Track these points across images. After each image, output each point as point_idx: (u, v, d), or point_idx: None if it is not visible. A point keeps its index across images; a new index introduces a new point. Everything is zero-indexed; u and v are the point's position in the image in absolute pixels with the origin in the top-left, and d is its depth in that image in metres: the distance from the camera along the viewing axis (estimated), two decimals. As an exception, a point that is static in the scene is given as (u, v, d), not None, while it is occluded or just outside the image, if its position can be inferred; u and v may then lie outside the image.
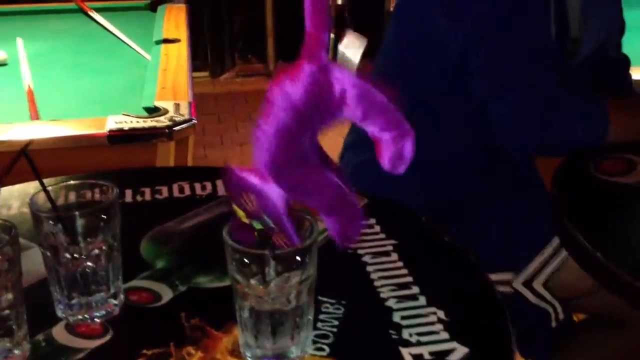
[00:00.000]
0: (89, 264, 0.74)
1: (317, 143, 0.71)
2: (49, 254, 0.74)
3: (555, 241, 1.21)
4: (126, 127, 1.53)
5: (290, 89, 0.67)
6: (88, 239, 0.74)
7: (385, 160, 0.68)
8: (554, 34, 1.19)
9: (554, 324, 1.23)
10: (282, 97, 0.66)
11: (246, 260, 0.67)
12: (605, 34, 1.33)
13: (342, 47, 3.84)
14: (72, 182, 0.80)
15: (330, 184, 0.71)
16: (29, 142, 0.71)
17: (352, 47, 3.81)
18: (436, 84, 1.27)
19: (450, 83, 1.24)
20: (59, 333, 0.74)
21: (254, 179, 0.68)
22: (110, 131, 1.51)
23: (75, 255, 0.74)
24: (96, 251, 0.75)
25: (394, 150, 0.67)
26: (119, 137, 1.52)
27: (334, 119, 0.69)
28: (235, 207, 0.69)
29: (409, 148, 0.67)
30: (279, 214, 0.68)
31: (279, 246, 0.68)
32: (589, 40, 1.27)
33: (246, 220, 0.69)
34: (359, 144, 1.39)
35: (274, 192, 0.68)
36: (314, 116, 0.68)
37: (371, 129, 0.68)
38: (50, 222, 0.72)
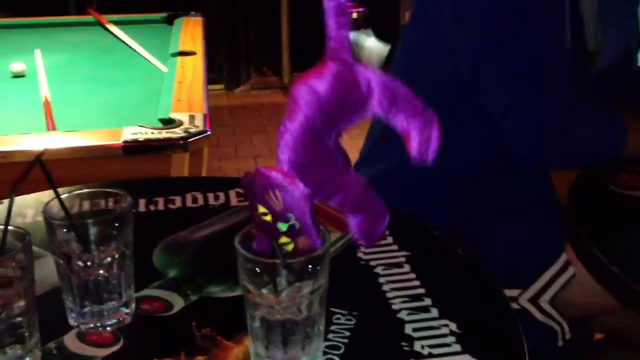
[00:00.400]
0: (102, 272, 0.75)
1: (339, 142, 0.71)
2: (61, 262, 0.74)
3: (563, 258, 1.20)
4: (141, 138, 1.54)
5: (316, 85, 0.67)
6: (101, 247, 0.75)
7: (414, 149, 0.69)
8: (569, 47, 1.18)
9: (560, 342, 1.21)
10: (308, 93, 0.67)
11: (258, 270, 0.66)
12: (623, 47, 1.32)
13: (366, 46, 3.86)
14: (85, 190, 0.80)
15: (355, 183, 0.71)
16: (44, 151, 0.71)
17: (374, 49, 3.83)
18: (448, 98, 1.26)
19: (462, 98, 1.23)
20: (70, 341, 0.74)
21: (280, 177, 0.67)
22: (125, 142, 1.52)
23: (87, 263, 0.74)
24: (109, 259, 0.75)
25: (421, 138, 0.68)
26: (134, 148, 1.53)
27: (359, 115, 0.69)
28: (260, 206, 0.68)
29: (435, 135, 0.69)
30: (304, 213, 0.67)
31: (301, 249, 0.68)
32: (607, 54, 1.26)
33: (268, 219, 0.68)
34: (373, 156, 1.38)
35: (299, 191, 0.67)
36: (340, 112, 0.68)
37: (397, 120, 0.69)
38: (64, 230, 0.73)
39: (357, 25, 4.03)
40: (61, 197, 0.74)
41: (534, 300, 1.21)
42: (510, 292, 1.22)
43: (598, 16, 1.21)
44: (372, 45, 3.91)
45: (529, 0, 1.12)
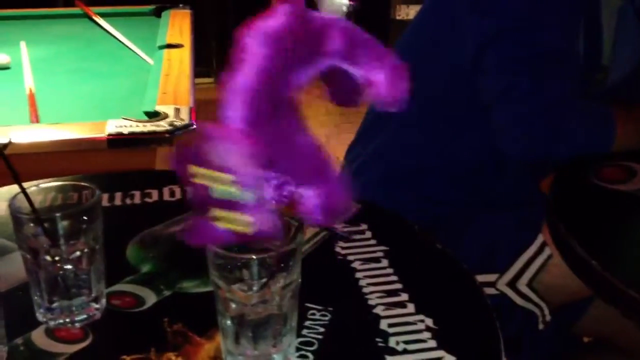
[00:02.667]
0: (70, 267, 0.73)
1: (295, 101, 0.62)
2: (29, 256, 0.73)
3: (539, 240, 1.19)
4: (126, 131, 1.52)
5: (265, 24, 0.59)
6: (70, 242, 0.73)
7: (383, 93, 0.61)
8: (582, 54, 1.18)
9: (541, 326, 1.21)
10: (257, 34, 0.59)
11: (228, 265, 0.65)
12: (633, 65, 1.31)
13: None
14: (54, 184, 0.79)
15: (310, 147, 0.62)
16: (7, 144, 0.69)
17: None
18: (444, 90, 1.25)
19: (459, 85, 1.22)
20: (38, 337, 0.73)
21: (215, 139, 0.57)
22: (109, 135, 1.51)
23: (56, 258, 0.72)
24: (77, 254, 0.73)
25: (388, 87, 0.61)
26: (118, 141, 1.52)
27: (316, 62, 0.61)
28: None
29: (404, 83, 0.61)
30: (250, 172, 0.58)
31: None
32: (617, 70, 1.26)
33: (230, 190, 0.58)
34: (360, 146, 1.38)
35: (244, 152, 0.57)
36: (295, 55, 0.59)
37: (360, 68, 0.61)
38: (31, 224, 0.71)
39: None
40: (30, 189, 0.73)
41: (511, 284, 1.20)
42: (487, 277, 1.21)
43: (614, 32, 1.22)
44: None
45: (550, 3, 1.13)
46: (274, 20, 0.59)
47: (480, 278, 1.21)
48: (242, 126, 0.59)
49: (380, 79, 0.61)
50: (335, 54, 0.60)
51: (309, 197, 0.62)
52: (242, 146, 0.57)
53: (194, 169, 0.58)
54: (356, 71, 0.61)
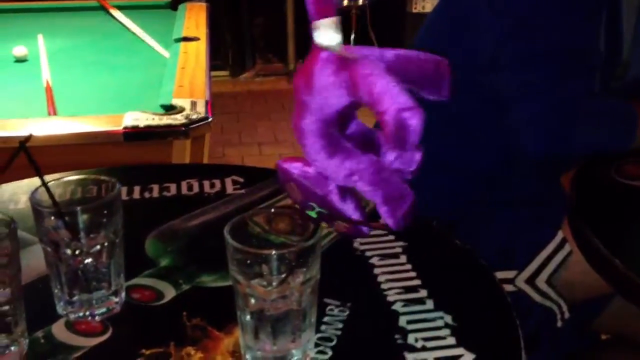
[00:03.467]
0: (90, 260, 0.73)
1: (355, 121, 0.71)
2: (49, 249, 0.73)
3: (559, 236, 1.18)
4: (142, 124, 1.53)
5: (318, 71, 0.65)
6: (90, 235, 0.73)
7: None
8: (603, 50, 1.17)
9: (559, 323, 1.20)
10: (313, 81, 0.65)
11: (248, 261, 0.65)
12: None
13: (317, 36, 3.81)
14: (75, 177, 0.79)
15: (370, 164, 0.70)
16: (29, 137, 0.70)
17: (328, 30, 3.78)
18: (461, 84, 1.24)
19: (475, 83, 1.22)
20: (58, 330, 0.73)
21: (292, 169, 0.69)
22: (126, 128, 1.51)
23: (76, 251, 0.73)
24: (97, 247, 0.73)
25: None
26: (134, 134, 1.52)
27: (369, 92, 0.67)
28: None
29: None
30: (326, 199, 0.68)
31: (343, 232, 0.67)
32: (635, 66, 1.25)
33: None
34: None
35: (313, 178, 0.68)
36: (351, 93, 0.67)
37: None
38: (51, 217, 0.72)
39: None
40: (50, 183, 0.73)
41: (530, 280, 1.19)
42: (506, 274, 1.20)
43: (634, 28, 1.20)
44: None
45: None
46: (323, 69, 0.67)
47: (499, 275, 1.20)
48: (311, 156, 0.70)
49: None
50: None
51: (384, 210, 0.71)
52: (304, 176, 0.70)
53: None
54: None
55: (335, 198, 0.70)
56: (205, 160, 1.76)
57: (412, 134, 0.66)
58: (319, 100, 0.67)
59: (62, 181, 0.77)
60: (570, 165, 1.21)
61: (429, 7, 3.99)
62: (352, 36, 4.22)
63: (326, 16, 0.65)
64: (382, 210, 0.72)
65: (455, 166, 1.27)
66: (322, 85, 0.66)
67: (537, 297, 1.20)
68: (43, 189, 0.72)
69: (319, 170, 0.70)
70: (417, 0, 4.06)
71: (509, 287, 1.20)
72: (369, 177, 0.70)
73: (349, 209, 0.72)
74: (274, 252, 0.65)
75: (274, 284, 0.66)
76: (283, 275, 0.65)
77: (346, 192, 0.71)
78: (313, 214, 0.67)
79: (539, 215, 1.25)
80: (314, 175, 0.69)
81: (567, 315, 1.20)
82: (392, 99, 0.64)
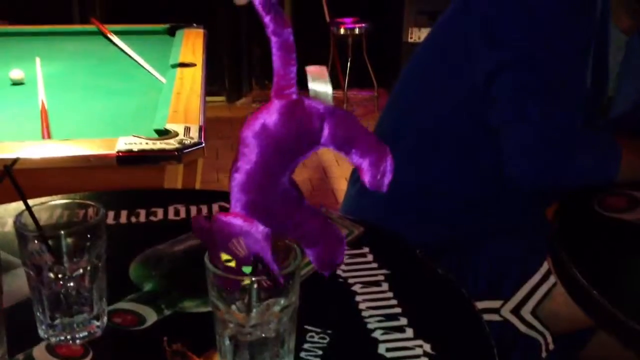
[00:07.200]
0: (73, 284, 0.74)
1: (291, 177, 0.70)
2: (32, 273, 0.74)
3: (544, 268, 1.19)
4: (135, 148, 1.54)
5: (266, 121, 0.67)
6: (73, 259, 0.74)
7: (369, 182, 0.69)
8: (590, 84, 1.19)
9: (544, 354, 1.20)
10: (259, 133, 0.66)
11: (227, 287, 0.66)
12: (637, 99, 1.32)
13: (310, 84, 3.81)
14: (60, 201, 0.80)
15: (311, 216, 0.71)
16: (14, 161, 0.71)
17: (319, 80, 3.78)
18: (452, 111, 1.26)
19: (466, 112, 1.23)
20: (39, 353, 0.74)
21: (241, 224, 0.67)
22: (119, 152, 1.52)
23: (59, 275, 0.73)
24: (80, 271, 0.74)
25: (375, 172, 0.68)
26: (127, 158, 1.53)
27: (311, 150, 0.68)
28: (222, 254, 0.68)
29: (389, 168, 0.68)
30: (266, 253, 0.66)
31: (265, 287, 0.67)
32: (620, 102, 1.27)
33: (233, 265, 0.68)
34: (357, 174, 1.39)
35: (260, 234, 0.66)
36: (292, 147, 0.67)
37: (352, 155, 0.68)
38: (35, 241, 0.72)
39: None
40: (36, 207, 0.74)
41: (516, 311, 1.20)
42: (492, 304, 1.21)
43: (619, 65, 1.23)
44: (318, 88, 3.86)
45: (563, 35, 1.14)
46: (272, 119, 0.67)
47: (485, 304, 1.21)
48: (245, 210, 0.68)
49: (365, 166, 0.68)
50: (328, 143, 0.68)
51: (313, 255, 0.73)
52: (254, 230, 0.67)
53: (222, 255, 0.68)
54: (348, 155, 0.69)
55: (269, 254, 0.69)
56: (198, 186, 1.77)
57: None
58: (278, 145, 0.68)
59: (49, 205, 0.78)
60: (557, 196, 1.22)
61: (424, 37, 4.04)
62: (349, 64, 4.27)
63: (290, 65, 0.68)
64: (317, 260, 0.73)
65: (442, 190, 1.28)
66: (286, 130, 0.68)
67: (522, 328, 1.20)
68: (27, 212, 0.73)
69: (260, 221, 0.68)
70: (412, 30, 4.12)
71: (494, 317, 1.20)
72: (311, 230, 0.72)
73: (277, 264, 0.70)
74: (252, 279, 0.65)
75: (254, 310, 0.66)
76: (262, 303, 0.66)
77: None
78: (248, 270, 0.68)
79: (526, 246, 1.26)
80: (257, 229, 0.68)
81: (551, 346, 1.20)
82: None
